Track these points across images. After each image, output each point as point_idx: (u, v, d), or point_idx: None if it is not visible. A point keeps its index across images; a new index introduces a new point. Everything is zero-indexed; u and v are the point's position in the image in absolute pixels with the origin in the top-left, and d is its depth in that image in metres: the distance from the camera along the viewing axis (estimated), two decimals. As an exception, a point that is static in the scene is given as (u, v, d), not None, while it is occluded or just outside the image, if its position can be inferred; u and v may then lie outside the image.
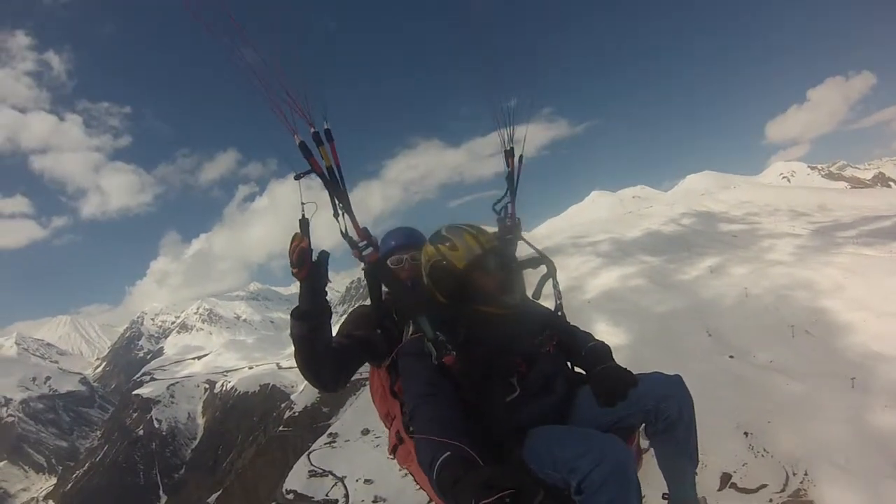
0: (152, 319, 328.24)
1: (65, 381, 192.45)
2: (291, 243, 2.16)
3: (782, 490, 13.51)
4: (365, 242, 2.28)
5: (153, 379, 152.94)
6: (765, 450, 12.59)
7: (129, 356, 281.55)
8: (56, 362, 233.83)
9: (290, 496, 36.24)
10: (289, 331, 2.33)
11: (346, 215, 2.21)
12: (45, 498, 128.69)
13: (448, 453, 1.77)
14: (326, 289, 2.30)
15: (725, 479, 15.36)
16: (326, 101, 2.13)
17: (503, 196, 3.07)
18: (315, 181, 2.17)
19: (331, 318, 2.32)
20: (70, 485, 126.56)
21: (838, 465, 9.14)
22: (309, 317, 2.22)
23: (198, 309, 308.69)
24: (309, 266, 2.17)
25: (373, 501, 28.31)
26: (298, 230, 2.15)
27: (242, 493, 48.04)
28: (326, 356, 2.31)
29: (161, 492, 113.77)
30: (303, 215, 2.12)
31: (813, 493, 10.67)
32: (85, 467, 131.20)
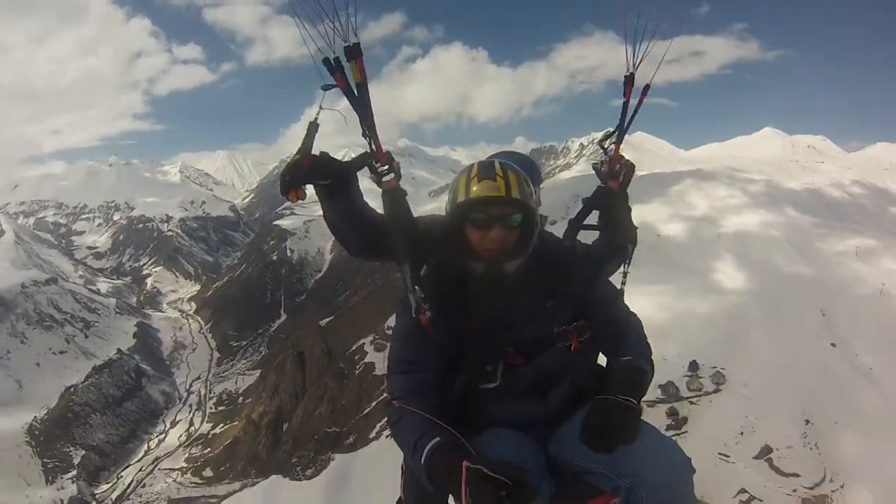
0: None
1: (217, 206, 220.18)
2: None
3: (812, 487, 13.04)
4: (387, 167, 2.02)
5: (293, 213, 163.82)
6: (816, 444, 12.20)
7: (275, 191, 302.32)
8: (211, 190, 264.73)
9: (390, 332, 41.56)
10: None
11: (369, 138, 1.99)
12: (189, 300, 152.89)
13: (437, 439, 1.61)
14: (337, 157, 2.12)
15: (765, 451, 15.21)
16: (356, 13, 1.83)
17: (613, 131, 2.52)
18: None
19: (348, 179, 2.13)
20: (210, 292, 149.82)
21: (875, 493, 8.65)
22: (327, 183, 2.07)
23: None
24: (308, 163, 1.97)
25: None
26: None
27: (349, 322, 54.94)
28: (354, 221, 2.15)
29: (282, 310, 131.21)
30: (315, 119, 2.01)
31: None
32: (224, 280, 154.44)
